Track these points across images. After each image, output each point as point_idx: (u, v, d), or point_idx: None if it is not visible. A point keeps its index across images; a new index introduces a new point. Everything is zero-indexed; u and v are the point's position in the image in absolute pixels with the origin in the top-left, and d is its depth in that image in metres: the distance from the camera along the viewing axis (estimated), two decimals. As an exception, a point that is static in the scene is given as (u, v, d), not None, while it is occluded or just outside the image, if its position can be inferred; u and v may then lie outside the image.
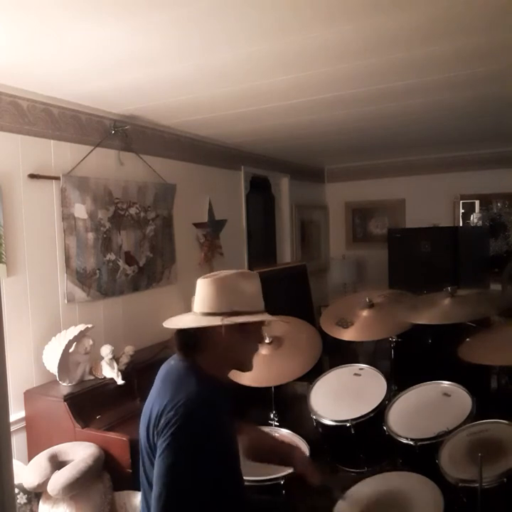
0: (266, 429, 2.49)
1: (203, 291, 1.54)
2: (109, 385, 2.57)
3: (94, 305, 2.92)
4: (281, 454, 1.83)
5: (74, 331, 2.53)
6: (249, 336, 1.54)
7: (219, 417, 1.44)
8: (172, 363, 1.59)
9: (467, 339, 2.57)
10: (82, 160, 2.82)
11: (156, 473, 1.36)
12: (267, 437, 1.93)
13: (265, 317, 1.56)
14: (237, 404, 1.74)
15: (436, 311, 2.70)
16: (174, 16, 1.74)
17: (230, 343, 1.50)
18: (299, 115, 3.31)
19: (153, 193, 3.35)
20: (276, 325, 1.73)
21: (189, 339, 1.50)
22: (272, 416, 2.63)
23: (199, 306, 1.54)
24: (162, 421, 1.38)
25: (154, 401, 1.48)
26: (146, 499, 1.52)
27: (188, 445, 1.35)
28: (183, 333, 1.52)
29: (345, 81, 2.60)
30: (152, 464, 1.44)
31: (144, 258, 3.28)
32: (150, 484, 1.47)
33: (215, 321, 1.46)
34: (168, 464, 1.34)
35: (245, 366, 1.61)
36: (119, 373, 2.58)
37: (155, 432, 1.40)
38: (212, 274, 1.59)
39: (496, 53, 2.27)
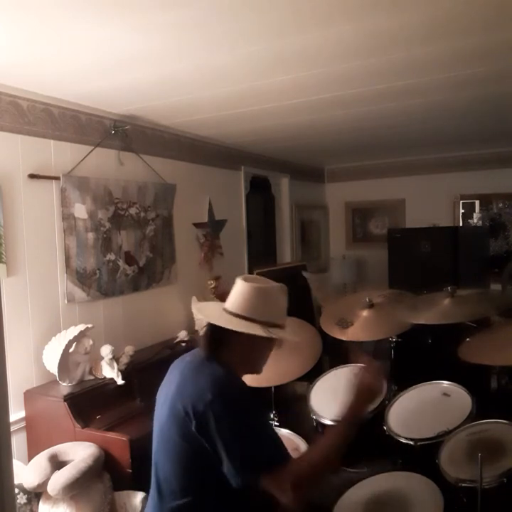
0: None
1: (245, 294, 1.55)
2: (109, 385, 2.57)
3: (94, 305, 2.92)
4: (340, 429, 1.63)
5: (74, 331, 2.54)
6: (271, 345, 1.60)
7: (247, 389, 1.49)
8: (188, 359, 1.61)
9: (467, 339, 2.57)
10: (82, 160, 2.82)
11: (222, 451, 1.36)
12: (322, 442, 1.65)
13: (299, 337, 1.62)
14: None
15: (436, 311, 2.70)
16: (174, 16, 1.74)
17: (254, 349, 1.56)
18: (299, 115, 3.31)
19: (153, 193, 3.35)
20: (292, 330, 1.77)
21: (220, 336, 1.52)
22: (272, 416, 2.63)
23: (237, 307, 1.54)
24: (200, 409, 1.38)
25: (177, 395, 1.48)
26: (159, 491, 1.50)
27: (235, 414, 1.39)
28: (215, 328, 1.52)
29: (345, 81, 2.60)
30: (174, 461, 1.45)
31: (144, 258, 3.28)
32: (165, 478, 1.48)
33: (257, 329, 1.48)
34: (230, 438, 1.36)
35: (258, 370, 1.65)
36: (119, 373, 2.58)
37: (193, 423, 1.39)
38: (251, 277, 1.63)
39: (495, 53, 2.27)
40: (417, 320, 2.67)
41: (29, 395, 2.48)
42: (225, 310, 1.57)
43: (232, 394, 1.43)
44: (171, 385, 1.55)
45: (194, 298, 3.59)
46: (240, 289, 1.57)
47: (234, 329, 1.48)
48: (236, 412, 1.40)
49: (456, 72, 2.52)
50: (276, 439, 1.46)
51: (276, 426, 2.57)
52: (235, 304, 1.56)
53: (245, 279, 1.59)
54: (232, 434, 1.37)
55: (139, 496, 2.15)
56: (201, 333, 1.62)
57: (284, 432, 2.44)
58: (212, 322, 1.54)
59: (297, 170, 5.66)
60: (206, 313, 1.62)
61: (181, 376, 1.54)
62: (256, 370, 1.64)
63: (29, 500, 2.15)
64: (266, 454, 1.40)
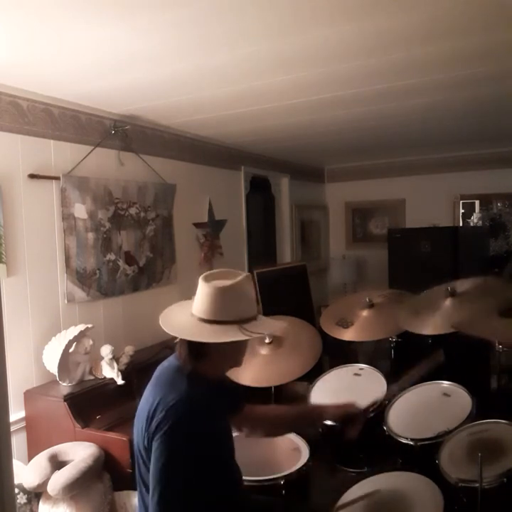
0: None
1: (212, 296, 1.48)
2: (109, 385, 2.57)
3: (94, 305, 2.92)
4: (305, 415, 1.89)
5: (74, 331, 2.54)
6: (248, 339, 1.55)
7: (210, 415, 1.45)
8: (165, 365, 1.59)
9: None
10: (82, 160, 2.82)
11: (150, 474, 1.38)
12: (287, 407, 1.95)
13: (280, 325, 1.59)
14: (239, 402, 1.75)
15: (437, 316, 2.67)
16: (174, 16, 1.74)
17: (233, 349, 1.52)
18: (299, 115, 3.31)
19: (153, 193, 3.35)
20: (268, 320, 1.76)
21: (197, 348, 1.46)
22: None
23: (207, 311, 1.48)
24: (153, 422, 1.39)
25: (146, 402, 1.48)
26: (142, 500, 1.53)
27: (179, 446, 1.36)
28: (190, 343, 1.47)
29: (345, 81, 2.60)
30: (146, 467, 1.45)
31: (144, 258, 3.28)
32: (145, 485, 1.48)
33: (235, 333, 1.43)
34: (161, 465, 1.35)
35: (239, 364, 1.62)
36: (119, 373, 2.58)
37: (147, 434, 1.41)
38: (211, 274, 1.56)
39: (495, 53, 2.27)
40: (418, 331, 2.64)
41: (29, 395, 2.48)
42: (194, 316, 1.51)
43: (187, 422, 1.39)
44: (146, 392, 1.55)
45: (194, 298, 3.58)
46: (205, 292, 1.49)
47: (213, 342, 1.43)
48: (179, 454, 1.37)
49: (456, 72, 2.52)
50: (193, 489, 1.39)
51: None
52: (203, 308, 1.49)
53: (207, 279, 1.52)
54: (163, 457, 1.36)
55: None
56: (178, 342, 1.55)
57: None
58: (186, 338, 1.46)
59: (297, 170, 5.66)
60: (177, 327, 1.51)
61: (154, 384, 1.54)
62: (237, 364, 1.61)
63: (29, 500, 2.15)
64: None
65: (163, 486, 1.35)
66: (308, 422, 1.98)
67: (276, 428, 1.90)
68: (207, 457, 1.39)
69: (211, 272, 1.59)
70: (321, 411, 1.90)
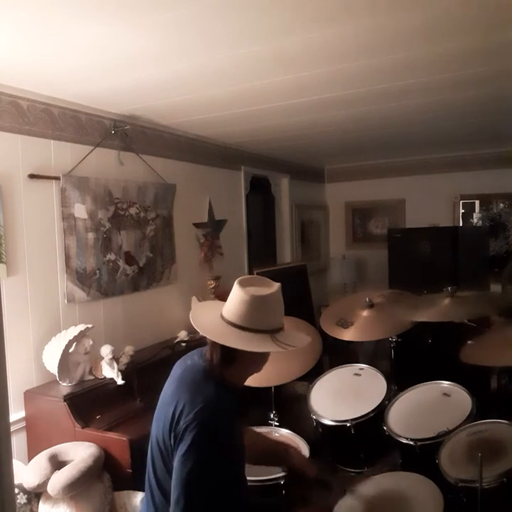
0: (266, 429, 2.49)
1: (247, 304, 1.49)
2: (109, 385, 2.57)
3: (94, 305, 2.92)
4: (275, 454, 1.88)
5: (74, 331, 2.53)
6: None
7: (233, 423, 1.47)
8: (189, 363, 1.60)
9: (468, 342, 2.56)
10: (82, 160, 2.82)
11: (175, 477, 1.38)
12: (260, 439, 1.95)
13: (307, 340, 1.59)
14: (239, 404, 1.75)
15: (436, 310, 2.69)
16: (174, 16, 1.74)
17: (260, 355, 1.54)
18: (299, 115, 3.31)
19: (153, 193, 3.35)
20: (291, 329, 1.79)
21: (230, 354, 1.48)
22: (271, 416, 2.63)
23: (240, 318, 1.49)
24: (181, 424, 1.39)
25: (171, 400, 1.48)
26: (152, 496, 1.52)
27: (206, 451, 1.37)
28: (224, 347, 1.47)
29: (346, 81, 2.60)
30: (164, 463, 1.46)
31: (144, 258, 3.28)
32: (158, 481, 1.49)
33: (270, 344, 1.46)
34: (188, 469, 1.35)
35: (260, 370, 1.64)
36: (119, 373, 2.58)
37: (172, 434, 1.41)
38: (247, 279, 1.57)
39: (496, 53, 2.27)
40: (417, 318, 2.66)
41: (29, 395, 2.48)
42: (225, 320, 1.52)
43: (215, 427, 1.40)
44: (168, 389, 1.56)
45: (194, 298, 3.57)
46: (240, 298, 1.50)
47: (250, 350, 1.44)
48: (206, 459, 1.37)
49: (456, 72, 2.52)
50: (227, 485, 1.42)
51: (276, 426, 2.58)
52: (236, 313, 1.50)
53: (242, 284, 1.52)
54: (190, 462, 1.36)
55: (139, 496, 2.15)
56: (208, 344, 1.56)
57: (284, 432, 2.45)
58: (223, 343, 1.47)
59: (297, 170, 5.66)
60: (210, 329, 1.52)
61: (179, 383, 1.54)
62: (258, 370, 1.64)
63: (29, 500, 2.15)
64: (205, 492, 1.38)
65: (190, 489, 1.35)
66: (272, 461, 1.94)
67: (248, 451, 1.80)
68: (230, 463, 1.41)
69: (246, 277, 1.60)
70: (286, 458, 1.88)
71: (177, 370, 1.62)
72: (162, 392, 1.61)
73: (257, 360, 1.57)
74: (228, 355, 1.48)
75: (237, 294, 1.52)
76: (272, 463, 1.94)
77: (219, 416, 1.42)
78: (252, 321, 1.48)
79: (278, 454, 1.88)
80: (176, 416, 1.41)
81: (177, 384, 1.54)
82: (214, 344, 1.51)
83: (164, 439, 1.45)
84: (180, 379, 1.55)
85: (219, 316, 1.55)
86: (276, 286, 1.55)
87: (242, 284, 1.53)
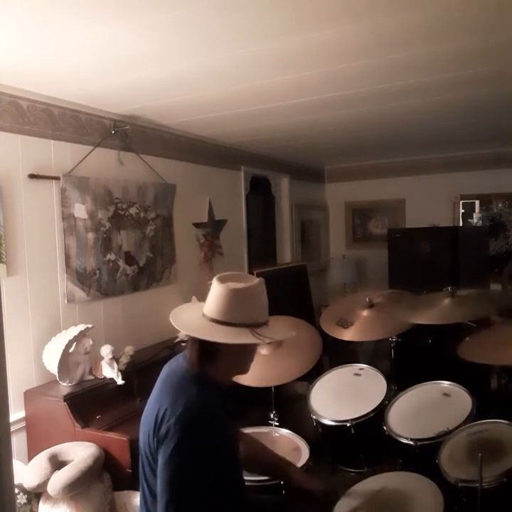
0: (266, 429, 2.49)
1: (225, 297, 1.47)
2: (109, 385, 2.57)
3: (94, 305, 2.92)
4: (277, 469, 1.86)
5: (74, 331, 2.53)
6: (257, 345, 1.59)
7: (220, 422, 1.44)
8: (173, 366, 1.58)
9: (466, 338, 2.57)
10: (82, 160, 2.82)
11: (160, 482, 1.36)
12: (264, 451, 1.92)
13: (291, 333, 1.59)
14: (237, 404, 1.75)
15: (436, 311, 2.69)
16: (174, 16, 1.74)
17: (243, 353, 1.53)
18: (299, 115, 3.31)
19: (153, 193, 3.35)
20: (278, 326, 1.75)
21: (208, 348, 1.46)
22: (271, 416, 2.63)
23: (219, 312, 1.48)
24: (163, 428, 1.37)
25: (154, 406, 1.47)
26: (145, 502, 1.52)
27: (189, 454, 1.35)
28: (203, 342, 1.46)
29: (345, 81, 2.60)
30: (151, 470, 1.44)
31: (144, 258, 3.28)
32: (149, 488, 1.47)
33: (248, 336, 1.43)
34: (171, 474, 1.34)
35: (246, 370, 1.62)
36: (119, 373, 2.58)
37: (155, 439, 1.40)
38: (226, 275, 1.56)
39: (496, 53, 2.27)
40: (417, 320, 2.67)
41: (29, 395, 2.48)
42: (205, 316, 1.50)
43: (197, 429, 1.38)
44: (154, 394, 1.55)
45: (194, 298, 3.59)
46: (218, 292, 1.48)
47: (226, 342, 1.42)
48: (189, 463, 1.36)
49: (456, 72, 2.52)
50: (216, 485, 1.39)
51: (276, 426, 2.58)
52: (216, 309, 1.48)
53: (222, 280, 1.51)
54: (173, 466, 1.35)
55: (138, 496, 2.15)
56: (187, 343, 1.55)
57: (284, 432, 2.45)
58: (198, 337, 1.46)
59: (297, 170, 5.66)
60: (189, 325, 1.51)
61: (162, 386, 1.53)
62: (244, 370, 1.62)
63: (29, 500, 2.15)
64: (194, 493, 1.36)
65: (174, 494, 1.33)
66: (275, 474, 1.91)
67: (250, 462, 1.82)
68: (217, 464, 1.39)
69: (226, 273, 1.58)
70: (289, 476, 1.84)
71: (163, 373, 1.60)
72: (150, 397, 1.58)
73: (239, 357, 1.53)
74: (207, 350, 1.46)
75: (214, 289, 1.51)
76: (269, 475, 1.93)
77: (202, 418, 1.39)
78: (232, 315, 1.46)
79: (278, 470, 1.86)
80: (159, 421, 1.39)
81: (161, 388, 1.53)
82: (193, 341, 1.50)
83: (150, 444, 1.43)
84: (164, 382, 1.54)
85: (200, 314, 1.53)
86: (256, 280, 1.53)
87: (221, 280, 1.52)
